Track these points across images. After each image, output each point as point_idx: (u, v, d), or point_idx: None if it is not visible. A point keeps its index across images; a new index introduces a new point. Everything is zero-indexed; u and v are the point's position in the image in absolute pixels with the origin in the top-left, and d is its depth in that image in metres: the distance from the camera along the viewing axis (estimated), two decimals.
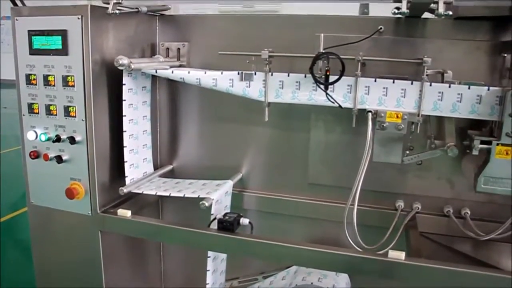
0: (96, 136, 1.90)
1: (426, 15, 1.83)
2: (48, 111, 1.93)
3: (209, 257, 1.97)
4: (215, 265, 2.04)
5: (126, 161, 2.01)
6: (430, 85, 1.75)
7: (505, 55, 1.79)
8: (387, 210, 2.06)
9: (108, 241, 2.03)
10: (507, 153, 1.67)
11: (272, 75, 1.90)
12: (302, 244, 1.74)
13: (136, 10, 1.96)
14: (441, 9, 1.46)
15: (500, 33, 1.82)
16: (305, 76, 1.85)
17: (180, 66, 2.15)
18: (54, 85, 1.89)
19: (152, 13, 2.16)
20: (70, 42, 1.83)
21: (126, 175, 2.02)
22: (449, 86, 1.74)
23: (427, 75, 1.75)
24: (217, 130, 2.25)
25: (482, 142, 1.72)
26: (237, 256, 2.15)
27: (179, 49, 2.18)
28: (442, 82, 1.78)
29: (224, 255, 2.13)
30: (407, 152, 1.89)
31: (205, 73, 1.92)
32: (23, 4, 1.96)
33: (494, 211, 1.94)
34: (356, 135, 1.94)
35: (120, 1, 1.79)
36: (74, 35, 1.82)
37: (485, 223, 1.93)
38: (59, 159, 1.92)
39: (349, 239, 1.83)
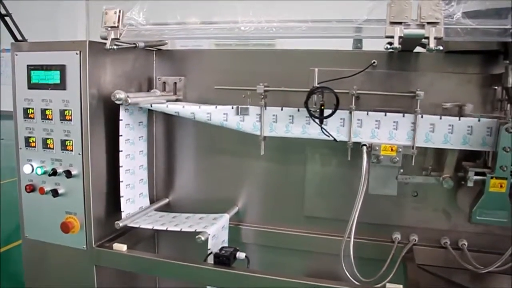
0: (92, 170, 1.90)
1: (418, 49, 1.88)
2: (45, 145, 1.94)
3: None
4: None
5: (123, 196, 2.01)
6: (422, 117, 1.77)
7: (496, 87, 1.83)
8: (384, 243, 2.05)
9: (103, 276, 2.00)
10: (501, 186, 1.68)
11: (266, 109, 1.92)
12: (299, 278, 1.73)
13: (134, 45, 2.00)
14: (432, 44, 1.49)
15: (490, 66, 1.86)
16: (299, 110, 1.87)
17: (177, 100, 2.18)
18: (51, 119, 1.91)
19: (149, 48, 2.20)
20: (68, 76, 1.86)
21: (122, 210, 2.01)
22: (440, 118, 1.76)
23: (445, 108, 1.79)
24: (213, 164, 2.26)
25: (476, 174, 1.73)
26: None
27: (175, 83, 2.21)
28: (460, 115, 1.79)
29: None
30: (401, 170, 1.87)
31: (200, 107, 1.95)
32: (24, 38, 2.00)
33: (491, 242, 1.94)
34: (351, 168, 1.95)
35: (118, 37, 1.82)
36: (72, 70, 1.85)
37: (483, 255, 1.92)
38: (55, 192, 1.91)
39: (346, 272, 1.82)
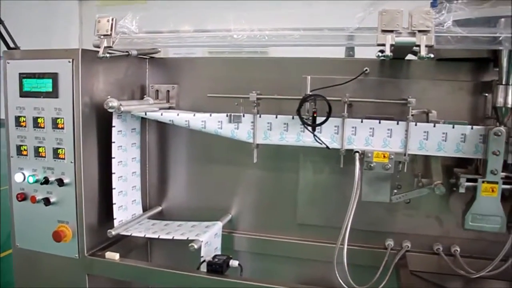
0: (84, 178, 1.90)
1: (410, 56, 1.89)
2: (37, 153, 1.93)
3: None
4: None
5: (115, 203, 2.00)
6: (416, 125, 1.78)
7: (486, 94, 1.84)
8: (377, 249, 2.05)
9: (95, 285, 1.99)
10: (492, 190, 1.70)
11: (260, 117, 1.92)
12: (292, 286, 1.73)
13: (127, 53, 2.00)
14: (423, 52, 1.50)
15: (481, 73, 1.88)
16: (293, 118, 1.88)
17: (170, 108, 2.18)
18: (43, 127, 1.90)
19: (142, 56, 2.20)
20: (60, 85, 1.86)
21: (114, 217, 2.00)
22: (434, 126, 1.78)
23: (412, 115, 1.79)
24: (206, 172, 2.26)
25: (468, 180, 1.74)
26: None
27: (168, 91, 2.21)
28: (427, 121, 1.82)
29: None
30: (395, 191, 1.91)
31: (194, 115, 1.95)
32: (16, 46, 1.99)
33: (484, 247, 1.95)
34: (344, 175, 1.96)
35: (111, 45, 1.83)
36: (65, 78, 1.85)
37: (475, 260, 1.93)
38: (46, 201, 1.90)
39: (340, 279, 1.82)
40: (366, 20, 1.59)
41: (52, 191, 1.92)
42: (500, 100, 1.68)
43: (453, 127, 1.76)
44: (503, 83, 1.67)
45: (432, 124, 1.78)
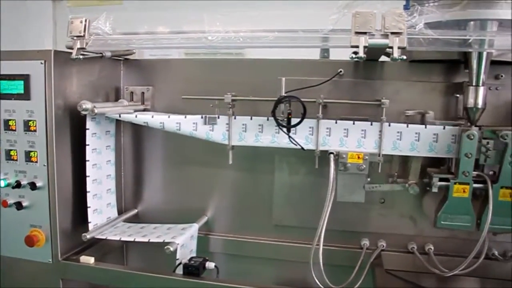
0: (58, 181, 1.87)
1: (383, 58, 1.92)
2: (8, 156, 1.89)
3: None
4: None
5: (89, 207, 1.97)
6: (389, 125, 1.81)
7: (458, 95, 1.88)
8: (352, 249, 2.07)
9: None
10: (464, 191, 1.73)
11: (235, 118, 1.93)
12: (269, 286, 1.73)
13: (100, 55, 1.98)
14: (396, 53, 1.52)
15: (452, 75, 1.91)
16: (268, 119, 1.88)
17: (145, 110, 2.16)
18: (15, 130, 1.86)
19: (117, 58, 2.18)
20: (32, 86, 1.82)
21: (89, 220, 1.97)
22: (407, 126, 1.80)
23: (407, 115, 1.83)
24: (182, 174, 2.25)
25: (440, 180, 1.78)
26: None
27: (143, 93, 2.19)
28: (422, 122, 1.84)
29: None
30: (369, 179, 1.91)
31: (169, 117, 1.94)
32: None
33: (456, 246, 1.98)
34: (319, 176, 1.97)
35: (84, 46, 1.80)
36: (37, 79, 1.81)
37: (448, 258, 1.96)
38: (19, 205, 1.86)
39: (316, 280, 1.82)
40: (340, 22, 1.60)
41: (24, 195, 1.89)
42: (470, 101, 1.72)
43: (426, 127, 1.79)
44: (473, 84, 1.70)
45: (405, 125, 1.81)
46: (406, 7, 1.67)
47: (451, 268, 1.85)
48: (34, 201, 1.88)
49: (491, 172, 1.76)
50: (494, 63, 1.74)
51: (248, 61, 2.16)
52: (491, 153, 1.70)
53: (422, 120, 1.87)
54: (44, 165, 1.85)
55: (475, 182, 1.74)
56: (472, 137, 1.68)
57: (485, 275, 1.95)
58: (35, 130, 1.84)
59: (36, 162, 1.86)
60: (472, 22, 1.55)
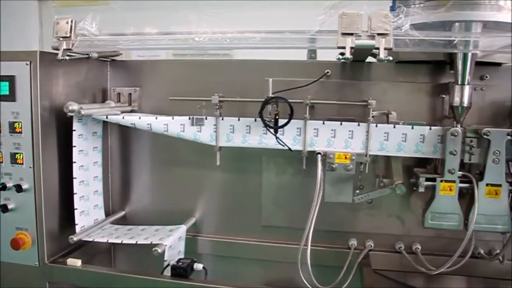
0: (44, 183, 1.85)
1: (370, 59, 1.93)
2: None
3: None
4: None
5: (76, 209, 1.96)
6: (376, 126, 1.82)
7: (443, 96, 1.90)
8: (340, 249, 2.08)
9: None
10: (450, 189, 1.75)
11: (223, 119, 1.92)
12: (257, 287, 1.73)
13: (87, 56, 1.96)
14: (382, 54, 1.53)
15: (438, 75, 1.93)
16: (255, 120, 1.89)
17: (132, 111, 2.15)
18: (0, 132, 1.84)
19: (103, 59, 2.17)
20: (18, 88, 1.80)
21: (76, 222, 1.96)
22: (394, 127, 1.82)
23: (373, 116, 1.82)
24: (169, 175, 2.24)
25: (427, 179, 1.79)
26: None
27: (130, 94, 2.18)
28: (387, 122, 1.86)
29: None
30: (357, 191, 1.94)
31: (156, 118, 1.93)
32: None
33: (443, 244, 2.00)
34: (307, 177, 1.98)
35: (70, 47, 1.79)
36: (23, 81, 1.80)
37: (435, 257, 1.97)
38: (4, 208, 1.84)
39: (304, 280, 1.83)
40: (327, 23, 1.60)
41: (10, 197, 1.87)
42: (456, 100, 1.74)
43: (412, 128, 1.80)
44: (459, 83, 1.72)
45: (392, 125, 1.82)
46: (392, 9, 1.69)
47: (438, 266, 1.86)
48: (20, 203, 1.86)
49: (477, 172, 1.77)
50: (479, 64, 1.77)
51: (235, 62, 2.16)
52: (475, 150, 1.73)
53: (387, 120, 1.88)
54: (30, 167, 1.83)
55: (461, 182, 1.76)
56: (456, 134, 1.71)
57: (471, 273, 1.98)
58: (20, 132, 1.83)
59: (22, 164, 1.84)
60: (457, 24, 1.57)
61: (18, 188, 1.83)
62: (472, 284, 2.00)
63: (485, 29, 1.58)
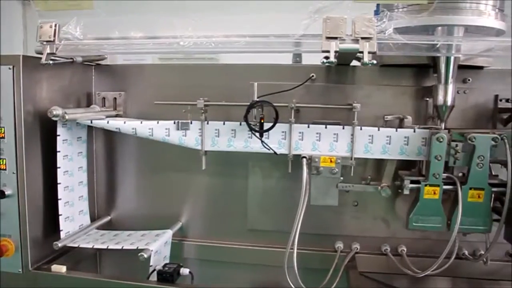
0: (28, 189, 1.83)
1: (355, 62, 1.94)
2: None
3: None
4: None
5: (61, 214, 1.94)
6: (361, 129, 1.83)
7: (427, 99, 1.92)
8: (327, 252, 2.09)
9: None
10: (434, 193, 1.76)
11: (208, 123, 1.92)
12: None
13: (71, 60, 1.95)
14: (366, 58, 1.54)
15: (422, 79, 1.96)
16: (240, 124, 1.89)
17: (117, 115, 2.14)
18: None
19: (88, 63, 2.16)
20: (1, 92, 1.78)
21: (61, 228, 1.94)
22: (379, 129, 1.83)
23: (386, 121, 1.87)
24: (155, 180, 2.23)
25: (412, 182, 1.80)
26: None
27: (115, 98, 2.17)
28: (401, 127, 1.88)
29: None
30: (341, 178, 1.91)
31: (141, 122, 1.92)
32: None
33: (428, 246, 2.02)
34: (293, 180, 1.98)
35: (54, 51, 1.78)
36: (5, 85, 1.77)
37: (421, 259, 1.99)
38: None
39: (291, 283, 1.83)
40: (311, 27, 1.61)
41: None
42: (440, 99, 1.76)
43: (396, 130, 1.82)
44: (442, 83, 1.75)
45: (377, 128, 1.83)
46: (376, 13, 1.70)
47: (423, 268, 1.87)
48: (3, 209, 1.84)
49: (460, 174, 1.79)
50: (461, 67, 1.80)
51: (220, 66, 2.17)
52: (459, 155, 1.74)
53: (400, 124, 1.91)
54: (14, 173, 1.81)
55: (445, 183, 1.77)
56: (442, 140, 1.72)
57: (456, 274, 1.99)
58: (3, 137, 1.80)
59: (5, 169, 1.82)
60: (439, 28, 1.59)
61: (1, 194, 1.80)
62: (457, 284, 2.02)
63: (467, 33, 1.61)
